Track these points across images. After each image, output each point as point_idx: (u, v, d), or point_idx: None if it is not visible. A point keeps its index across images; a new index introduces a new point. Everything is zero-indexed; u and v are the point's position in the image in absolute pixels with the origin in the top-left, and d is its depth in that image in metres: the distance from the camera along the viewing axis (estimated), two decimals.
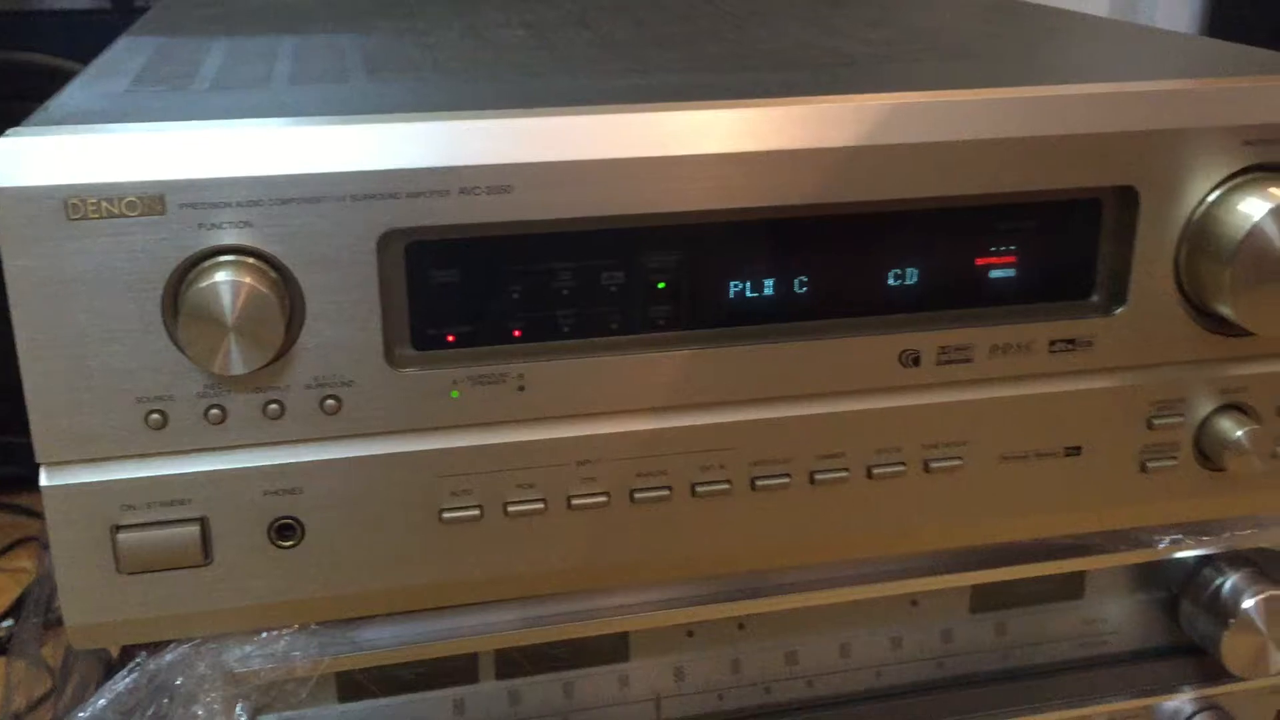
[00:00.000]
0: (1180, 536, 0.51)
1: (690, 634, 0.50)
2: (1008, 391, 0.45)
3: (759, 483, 0.43)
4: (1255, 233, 0.42)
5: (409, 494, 0.41)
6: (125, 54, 0.52)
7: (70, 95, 0.43)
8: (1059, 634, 0.54)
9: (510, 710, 0.48)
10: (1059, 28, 0.61)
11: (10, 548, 0.85)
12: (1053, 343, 0.44)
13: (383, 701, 0.47)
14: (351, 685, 0.46)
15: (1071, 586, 0.54)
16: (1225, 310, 0.44)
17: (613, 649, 0.49)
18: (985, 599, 0.53)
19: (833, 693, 0.52)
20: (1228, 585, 0.52)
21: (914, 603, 0.52)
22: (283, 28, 0.59)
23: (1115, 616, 0.55)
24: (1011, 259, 0.44)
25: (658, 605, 0.47)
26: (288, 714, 0.45)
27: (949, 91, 0.42)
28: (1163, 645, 0.55)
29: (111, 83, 0.45)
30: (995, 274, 0.45)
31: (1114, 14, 1.14)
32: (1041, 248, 0.44)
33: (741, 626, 0.50)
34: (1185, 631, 0.54)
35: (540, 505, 0.42)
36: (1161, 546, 0.50)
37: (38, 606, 0.53)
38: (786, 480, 0.44)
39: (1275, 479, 0.48)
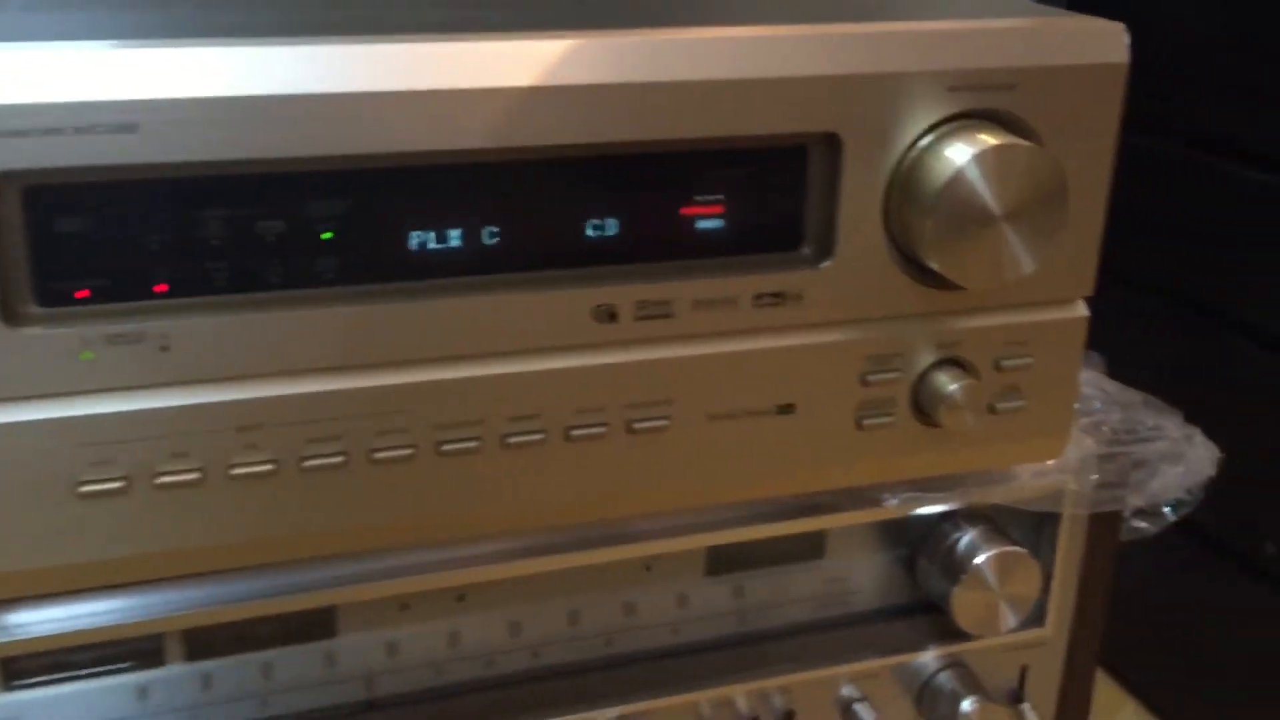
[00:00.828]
0: (915, 494, 0.50)
1: (405, 607, 0.47)
2: (713, 348, 0.43)
3: (445, 447, 0.41)
4: (957, 179, 0.41)
5: (39, 466, 0.37)
6: None
7: None
8: (800, 595, 0.53)
9: (202, 695, 0.45)
10: None
11: None
12: (759, 296, 0.43)
13: (54, 690, 0.43)
14: (16, 672, 0.43)
15: (812, 546, 0.53)
16: (931, 262, 0.42)
17: (317, 625, 0.46)
18: (722, 561, 0.51)
19: (560, 663, 0.50)
20: (962, 542, 0.52)
21: (647, 567, 0.50)
22: None
23: (858, 576, 0.54)
24: (717, 209, 0.42)
25: (365, 577, 0.44)
26: None
27: (646, 31, 0.40)
28: (906, 604, 0.54)
29: None
30: (699, 225, 0.42)
31: None
32: (748, 197, 0.43)
33: (461, 598, 0.48)
34: (923, 589, 0.53)
35: (196, 475, 0.38)
36: (892, 504, 0.49)
37: None
38: (476, 444, 0.41)
39: (993, 433, 0.47)
